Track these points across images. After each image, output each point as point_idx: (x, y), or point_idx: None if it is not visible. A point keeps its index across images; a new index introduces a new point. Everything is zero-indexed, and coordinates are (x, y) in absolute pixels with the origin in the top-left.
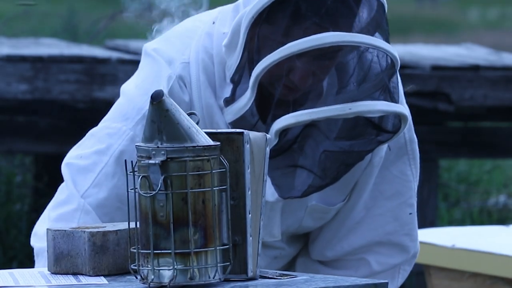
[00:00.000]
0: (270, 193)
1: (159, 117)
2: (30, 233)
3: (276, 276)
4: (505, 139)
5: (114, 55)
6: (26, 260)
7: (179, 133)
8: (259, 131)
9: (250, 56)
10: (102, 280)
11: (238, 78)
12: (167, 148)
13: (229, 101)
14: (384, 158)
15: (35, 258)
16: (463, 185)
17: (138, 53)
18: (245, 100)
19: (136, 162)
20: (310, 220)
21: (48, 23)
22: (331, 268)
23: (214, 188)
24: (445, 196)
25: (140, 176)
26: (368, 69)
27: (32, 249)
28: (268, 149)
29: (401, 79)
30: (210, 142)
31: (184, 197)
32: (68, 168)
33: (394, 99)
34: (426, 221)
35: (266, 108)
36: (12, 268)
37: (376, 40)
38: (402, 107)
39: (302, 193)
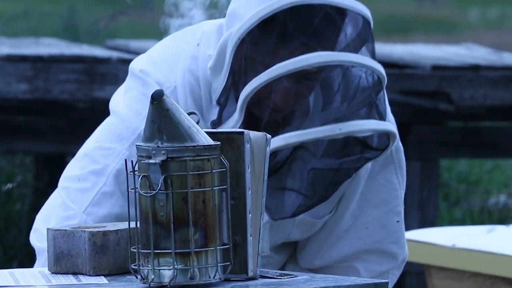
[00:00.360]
0: None
1: (160, 116)
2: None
3: (276, 276)
4: (505, 139)
5: (115, 55)
6: (26, 259)
7: (179, 132)
8: None
9: (236, 78)
10: (102, 280)
11: (224, 101)
12: (168, 148)
13: (216, 123)
14: (370, 168)
15: (37, 256)
16: (463, 185)
17: (138, 52)
18: (233, 123)
19: (137, 162)
20: (297, 233)
21: (48, 23)
22: None
23: (215, 188)
24: (446, 196)
25: (141, 176)
26: (356, 88)
27: (32, 248)
28: (268, 149)
29: (402, 78)
30: (210, 141)
31: (184, 196)
32: (65, 191)
33: (382, 117)
34: (426, 221)
35: (252, 130)
36: (12, 267)
37: (364, 59)
38: (391, 125)
39: (293, 213)
